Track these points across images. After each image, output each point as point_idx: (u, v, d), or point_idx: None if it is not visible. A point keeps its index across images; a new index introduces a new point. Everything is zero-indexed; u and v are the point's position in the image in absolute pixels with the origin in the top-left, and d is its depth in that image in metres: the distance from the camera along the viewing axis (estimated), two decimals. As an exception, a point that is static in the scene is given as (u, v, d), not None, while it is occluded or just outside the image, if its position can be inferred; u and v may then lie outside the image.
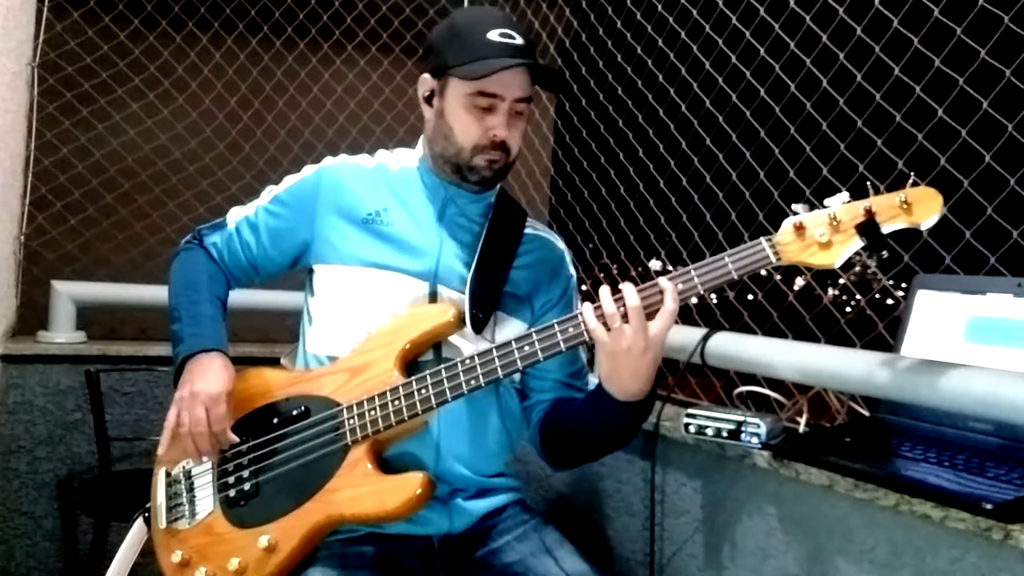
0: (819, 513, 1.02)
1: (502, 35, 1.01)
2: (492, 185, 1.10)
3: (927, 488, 0.88)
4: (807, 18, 1.36)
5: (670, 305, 0.90)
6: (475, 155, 1.04)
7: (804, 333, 1.30)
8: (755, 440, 1.08)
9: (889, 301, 1.23)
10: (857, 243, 0.87)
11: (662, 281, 0.91)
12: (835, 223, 0.88)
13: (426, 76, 1.08)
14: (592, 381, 1.13)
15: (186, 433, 1.01)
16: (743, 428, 1.09)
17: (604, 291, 0.92)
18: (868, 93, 1.25)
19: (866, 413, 1.15)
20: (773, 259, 0.90)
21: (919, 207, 0.85)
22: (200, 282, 1.12)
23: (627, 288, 0.91)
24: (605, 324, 0.91)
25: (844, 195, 0.89)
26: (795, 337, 1.28)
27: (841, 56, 1.30)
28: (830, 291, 1.35)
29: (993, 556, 0.83)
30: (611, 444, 1.08)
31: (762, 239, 0.92)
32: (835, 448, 1.02)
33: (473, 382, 0.97)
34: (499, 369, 0.97)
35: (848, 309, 1.31)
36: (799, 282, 1.38)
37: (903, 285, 1.14)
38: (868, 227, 0.86)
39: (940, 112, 1.15)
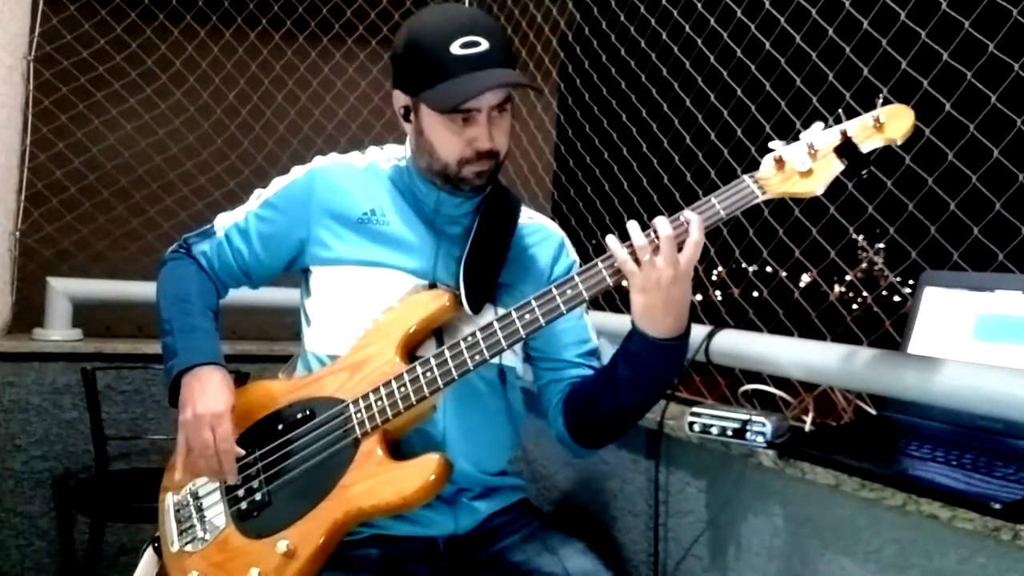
0: (825, 513, 1.01)
1: (465, 45, 0.95)
2: (485, 189, 1.08)
3: (934, 488, 0.87)
4: (813, 12, 1.35)
5: (695, 235, 0.90)
6: (462, 167, 1.01)
7: (810, 331, 1.29)
8: (760, 439, 1.07)
9: (896, 298, 1.22)
10: (837, 165, 0.89)
11: (687, 213, 0.91)
12: (813, 151, 0.89)
13: (398, 92, 1.04)
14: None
15: (196, 456, 0.99)
16: (748, 427, 1.08)
17: (633, 225, 0.91)
18: (875, 88, 1.24)
19: (873, 412, 1.14)
20: (758, 193, 0.91)
21: (891, 124, 0.87)
22: (191, 293, 1.10)
23: (659, 220, 0.91)
24: (636, 259, 0.90)
25: (819, 125, 0.91)
26: (801, 335, 1.27)
27: (847, 50, 1.29)
28: (836, 288, 1.35)
29: (1001, 556, 0.82)
30: (647, 398, 1.03)
31: (744, 176, 0.92)
32: (841, 447, 1.01)
33: (478, 357, 0.95)
34: (502, 340, 0.95)
35: (854, 306, 1.30)
36: (805, 279, 1.37)
37: (910, 282, 1.13)
38: (846, 148, 0.88)
39: (947, 107, 1.14)
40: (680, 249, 0.90)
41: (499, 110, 1.00)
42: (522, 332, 0.94)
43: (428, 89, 0.97)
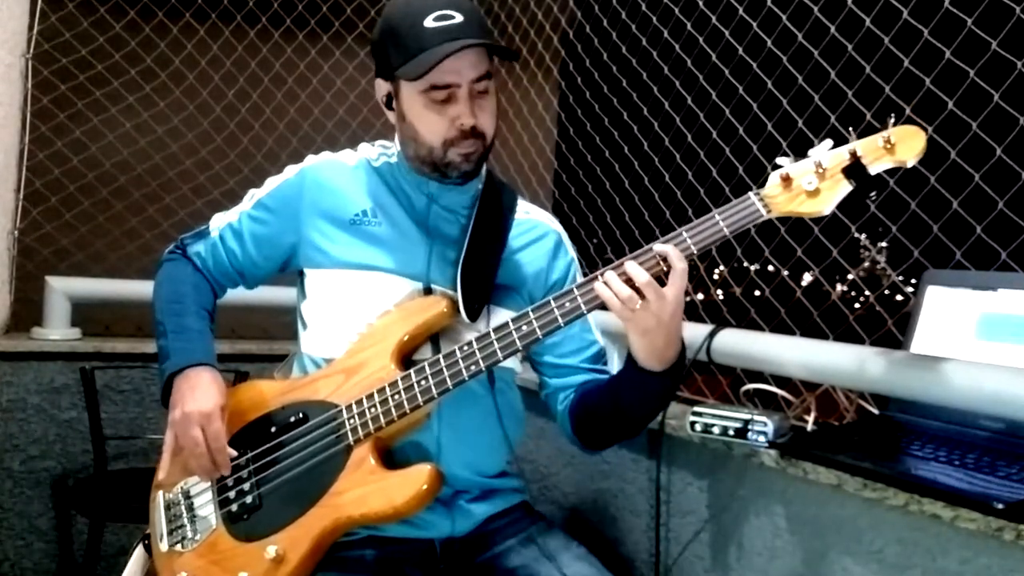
0: (827, 513, 1.01)
1: (438, 18, 0.95)
2: (474, 176, 1.07)
3: (937, 487, 0.87)
4: (815, 9, 1.35)
5: (679, 265, 0.89)
6: (448, 150, 1.00)
7: (812, 330, 1.29)
8: (762, 439, 1.07)
9: (899, 297, 1.22)
10: (846, 187, 0.88)
11: (657, 247, 0.91)
12: (821, 170, 0.88)
13: (379, 81, 1.04)
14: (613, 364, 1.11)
15: (187, 456, 0.99)
16: (750, 426, 1.08)
17: (613, 277, 0.91)
18: (878, 86, 1.23)
19: (875, 411, 1.14)
20: (763, 212, 0.90)
21: (902, 145, 0.86)
22: (184, 295, 1.09)
23: (630, 266, 0.90)
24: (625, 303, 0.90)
25: (828, 143, 0.90)
26: (803, 334, 1.27)
27: (850, 48, 1.29)
28: (839, 287, 1.34)
29: (1005, 557, 0.82)
30: (655, 412, 1.07)
31: (750, 193, 0.91)
32: (843, 447, 1.01)
33: (473, 367, 0.95)
34: (499, 351, 0.94)
35: (857, 305, 1.30)
36: (807, 278, 1.36)
37: (912, 281, 1.13)
38: (855, 169, 0.87)
39: (951, 104, 1.13)
40: (664, 282, 0.89)
41: (481, 90, 0.99)
42: (519, 344, 0.94)
43: (403, 65, 0.97)
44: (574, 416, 1.09)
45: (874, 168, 0.86)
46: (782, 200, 0.89)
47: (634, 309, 0.89)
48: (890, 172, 0.90)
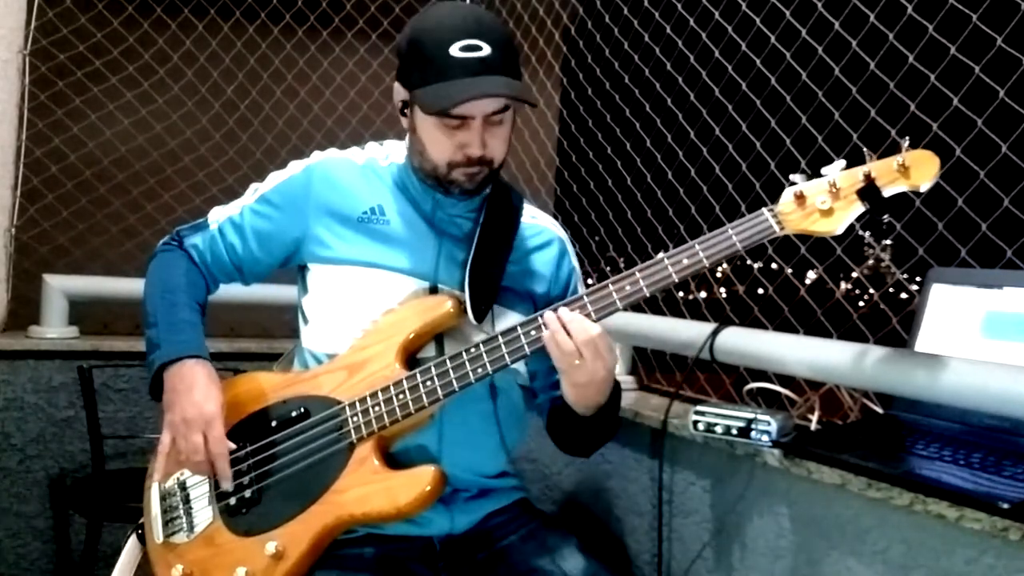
0: (831, 513, 1.00)
1: (465, 48, 0.92)
2: (477, 194, 1.06)
3: (942, 487, 0.86)
4: (818, 4, 1.34)
5: (594, 331, 0.91)
6: (452, 170, 1.00)
7: (816, 328, 1.28)
8: (766, 438, 1.06)
9: (903, 295, 1.21)
10: (859, 208, 0.88)
11: (564, 313, 0.92)
12: (835, 190, 0.89)
13: (398, 85, 1.03)
14: None
15: (184, 460, 0.98)
16: (753, 426, 1.07)
17: (559, 328, 0.92)
18: (882, 83, 1.23)
19: (879, 410, 1.14)
20: (776, 229, 0.91)
21: (916, 170, 0.86)
22: (178, 287, 1.08)
23: (574, 324, 0.91)
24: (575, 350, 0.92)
25: (841, 163, 0.90)
26: (807, 332, 1.26)
27: (854, 44, 1.28)
28: (843, 285, 1.34)
29: (1010, 557, 0.82)
30: (601, 439, 1.12)
31: (764, 209, 0.92)
32: (848, 446, 1.01)
33: (480, 371, 0.95)
34: (506, 356, 0.94)
35: (861, 303, 1.29)
36: (811, 276, 1.36)
37: (917, 279, 1.13)
38: (868, 191, 0.87)
39: (955, 101, 1.13)
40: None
41: (496, 121, 0.98)
42: (527, 349, 0.94)
43: (421, 88, 0.95)
44: (549, 427, 1.14)
45: (888, 191, 0.87)
46: (795, 218, 0.90)
47: (574, 364, 0.91)
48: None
